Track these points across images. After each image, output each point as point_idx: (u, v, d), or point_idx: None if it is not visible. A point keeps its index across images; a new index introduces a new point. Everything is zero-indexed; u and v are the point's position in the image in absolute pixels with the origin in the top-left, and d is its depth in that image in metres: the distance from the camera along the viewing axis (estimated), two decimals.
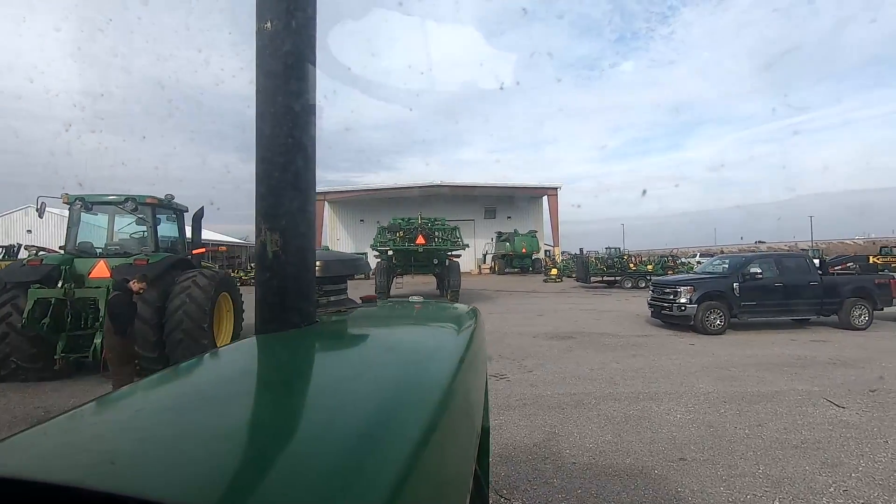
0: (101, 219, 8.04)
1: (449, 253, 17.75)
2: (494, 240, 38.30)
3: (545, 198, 42.74)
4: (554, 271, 29.82)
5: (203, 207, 8.10)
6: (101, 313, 6.50)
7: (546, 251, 40.63)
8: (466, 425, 0.95)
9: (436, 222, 17.09)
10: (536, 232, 38.18)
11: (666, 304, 10.82)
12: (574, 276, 27.77)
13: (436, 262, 16.76)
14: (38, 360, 6.52)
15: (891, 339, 9.73)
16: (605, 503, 3.38)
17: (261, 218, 1.07)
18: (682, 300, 10.40)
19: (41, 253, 8.85)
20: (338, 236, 42.73)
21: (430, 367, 0.93)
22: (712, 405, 5.43)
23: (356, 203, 42.35)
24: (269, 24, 1.06)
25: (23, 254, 17.60)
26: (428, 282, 21.66)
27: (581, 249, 33.44)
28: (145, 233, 7.61)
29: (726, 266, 11.49)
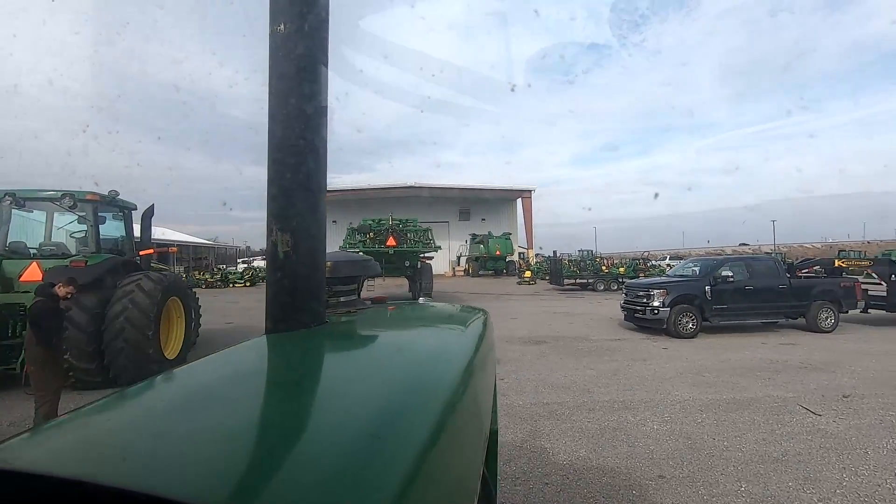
0: (41, 217, 7.37)
1: (422, 255, 17.39)
2: (469, 242, 38.10)
3: (519, 200, 42.82)
4: (528, 274, 29.77)
5: (153, 205, 7.51)
6: None
7: (520, 253, 40.67)
8: (475, 427, 0.94)
9: (407, 223, 16.69)
10: (511, 234, 38.13)
11: (639, 308, 10.71)
12: (548, 278, 27.78)
13: (407, 264, 16.34)
14: None
15: (856, 341, 9.84)
16: None
17: (272, 218, 1.07)
18: (655, 303, 10.30)
19: None
20: None
21: (438, 368, 0.92)
22: (689, 414, 5.22)
23: (328, 204, 41.38)
24: (282, 27, 1.05)
25: None
26: (400, 284, 21.23)
27: (555, 252, 33.55)
28: (87, 232, 6.98)
29: (697, 269, 11.48)
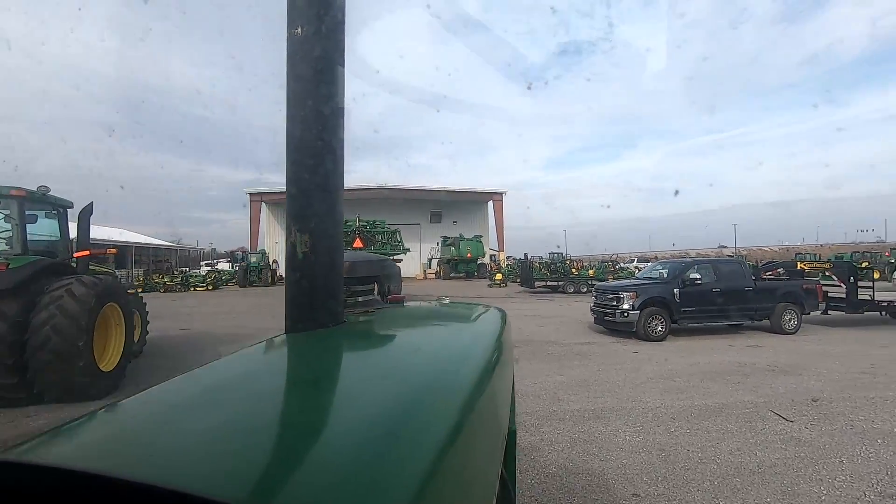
0: None
1: (391, 257, 16.95)
2: (440, 244, 37.79)
3: (491, 202, 42.81)
4: (499, 276, 29.66)
5: (92, 203, 6.85)
6: None
7: (491, 256, 40.61)
8: (493, 427, 0.94)
9: (375, 225, 16.22)
10: (482, 237, 38.01)
11: (609, 311, 10.60)
12: (518, 281, 27.73)
13: None
14: None
15: (818, 342, 9.98)
16: None
17: (291, 219, 1.07)
18: (625, 306, 10.20)
19: None
20: (276, 239, 40.60)
21: (456, 367, 0.91)
22: (661, 423, 5.02)
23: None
24: (299, 30, 1.06)
25: None
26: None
27: (525, 255, 33.60)
28: (12, 231, 6.29)
29: (666, 272, 11.47)
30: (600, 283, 13.43)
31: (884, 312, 11.90)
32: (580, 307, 15.37)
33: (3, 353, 5.26)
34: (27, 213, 6.47)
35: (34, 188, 6.57)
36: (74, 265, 6.79)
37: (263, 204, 40.37)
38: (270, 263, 36.40)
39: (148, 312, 8.91)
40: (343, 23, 1.12)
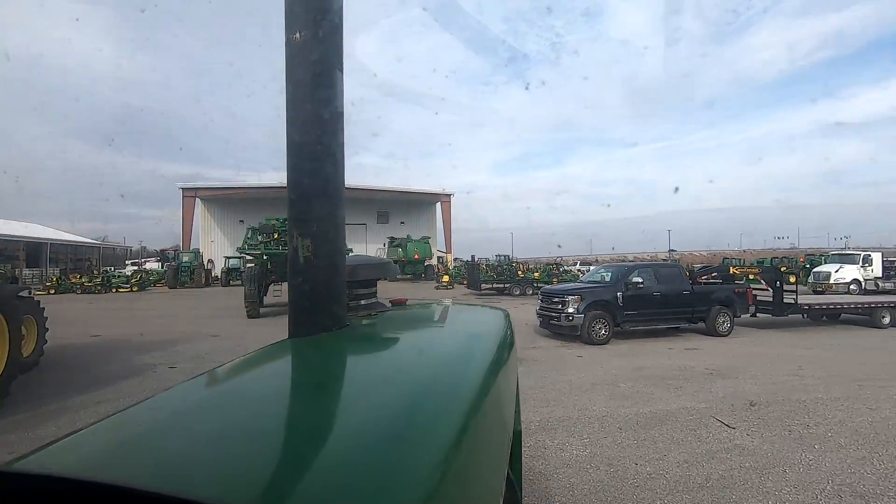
0: None
1: None
2: (387, 245, 37.08)
3: (438, 204, 42.59)
4: (446, 278, 29.41)
5: None
6: None
7: (439, 258, 40.38)
8: (499, 428, 0.94)
9: None
10: (430, 238, 37.70)
11: (554, 314, 10.54)
12: (465, 283, 27.60)
13: None
14: None
15: (750, 344, 10.39)
16: None
17: (292, 224, 1.08)
18: (570, 310, 10.17)
19: None
20: (212, 238, 38.32)
21: (461, 369, 0.91)
22: (608, 433, 4.84)
23: (236, 202, 38.27)
24: (298, 35, 1.06)
25: None
26: None
27: (473, 256, 33.60)
28: None
29: (609, 276, 11.59)
30: (546, 287, 13.42)
31: (805, 315, 12.65)
32: (525, 310, 15.35)
33: None
34: None
35: None
36: None
37: (198, 200, 37.98)
38: (205, 263, 34.29)
39: (47, 318, 7.83)
40: (341, 27, 1.11)
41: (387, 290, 24.17)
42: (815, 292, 22.15)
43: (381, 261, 1.74)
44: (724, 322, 11.27)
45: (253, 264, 15.27)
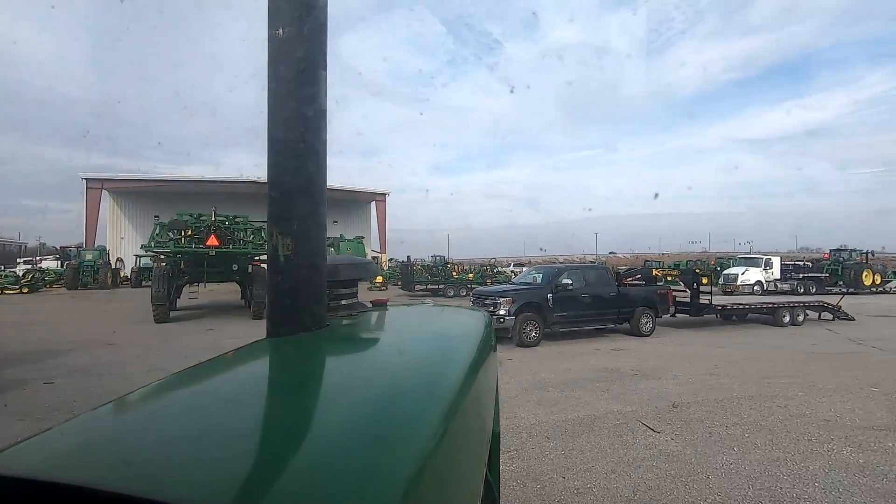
0: None
1: (257, 258, 15.13)
2: None
3: (373, 203, 41.71)
4: (379, 279, 28.72)
5: None
6: None
7: (373, 258, 39.52)
8: (477, 429, 0.96)
9: (236, 221, 14.29)
10: (363, 238, 36.75)
11: None
12: (399, 283, 27.12)
13: (235, 267, 13.96)
14: None
15: (670, 344, 10.78)
16: None
17: (272, 222, 1.06)
18: (502, 312, 10.03)
19: None
20: (122, 234, 34.99)
21: (441, 370, 0.92)
22: (537, 444, 4.61)
23: (149, 196, 35.18)
24: (281, 31, 1.05)
25: None
26: (233, 290, 18.47)
27: (409, 257, 33.16)
28: None
29: (540, 277, 11.63)
30: (478, 289, 13.29)
31: (718, 315, 13.43)
32: None
33: None
34: None
35: None
36: None
37: (106, 192, 34.55)
38: (113, 262, 31.26)
39: None
40: (325, 25, 1.10)
41: None
42: (725, 293, 23.91)
43: (363, 260, 1.68)
44: (646, 322, 11.65)
45: (164, 263, 13.89)
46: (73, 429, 0.58)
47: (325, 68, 1.10)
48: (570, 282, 10.82)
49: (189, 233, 13.11)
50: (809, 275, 29.38)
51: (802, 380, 7.27)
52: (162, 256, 14.30)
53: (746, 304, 14.12)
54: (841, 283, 28.34)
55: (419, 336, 1.41)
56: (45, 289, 27.31)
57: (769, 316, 13.82)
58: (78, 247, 34.12)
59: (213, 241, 12.91)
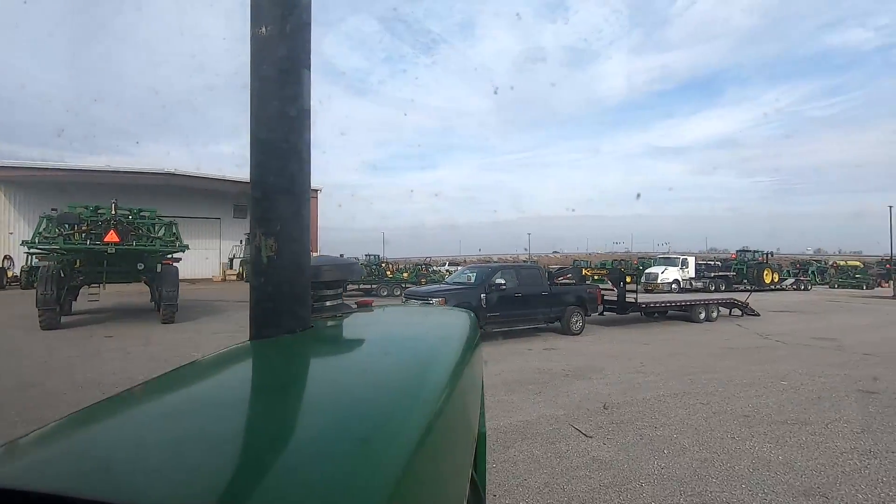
0: None
1: (169, 255, 13.74)
2: (243, 242, 33.71)
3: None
4: None
5: None
6: None
7: None
8: (463, 429, 0.95)
9: (141, 214, 12.88)
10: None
11: None
12: None
13: (141, 267, 12.55)
14: None
15: (599, 342, 10.99)
16: None
17: (255, 223, 1.04)
18: None
19: None
20: (11, 230, 30.97)
21: (426, 370, 0.90)
22: None
23: (48, 187, 31.26)
24: (264, 30, 1.04)
25: None
26: (141, 291, 16.72)
27: (341, 255, 32.07)
28: None
29: (473, 277, 11.45)
30: (410, 289, 12.90)
31: (642, 313, 13.98)
32: None
33: None
34: None
35: None
36: None
37: None
38: (0, 261, 27.60)
39: None
40: (309, 24, 1.09)
41: (235, 293, 21.63)
42: (647, 291, 25.20)
43: (347, 262, 1.67)
44: (577, 321, 11.83)
45: (54, 262, 12.21)
46: (49, 435, 0.57)
47: (308, 67, 1.09)
48: (503, 281, 10.72)
49: (85, 227, 11.60)
50: (720, 273, 31.85)
51: (720, 375, 7.57)
52: (52, 255, 12.59)
53: (667, 301, 14.82)
54: (745, 280, 30.97)
55: (404, 337, 1.41)
56: None
57: (687, 313, 14.59)
58: None
59: (112, 236, 11.48)
